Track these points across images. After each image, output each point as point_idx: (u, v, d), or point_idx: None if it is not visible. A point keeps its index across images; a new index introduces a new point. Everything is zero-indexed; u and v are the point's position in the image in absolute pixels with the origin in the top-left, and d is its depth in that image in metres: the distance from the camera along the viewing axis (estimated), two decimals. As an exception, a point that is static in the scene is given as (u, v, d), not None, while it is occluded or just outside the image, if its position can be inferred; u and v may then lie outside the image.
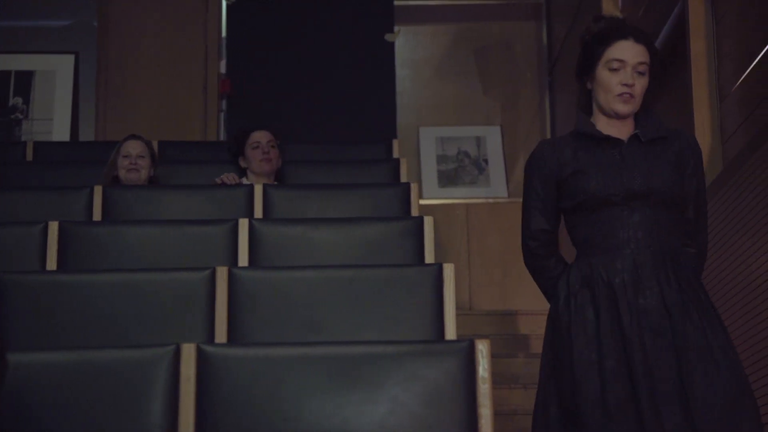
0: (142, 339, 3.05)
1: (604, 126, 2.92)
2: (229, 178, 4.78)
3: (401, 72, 7.35)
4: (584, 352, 2.74)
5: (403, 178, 5.03)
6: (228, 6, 7.14)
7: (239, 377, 2.34)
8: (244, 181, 4.93)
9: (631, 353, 2.69)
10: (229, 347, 2.48)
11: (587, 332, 2.76)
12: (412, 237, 3.73)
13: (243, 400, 2.32)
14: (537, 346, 5.49)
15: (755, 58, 3.89)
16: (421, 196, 6.88)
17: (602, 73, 2.88)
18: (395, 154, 5.61)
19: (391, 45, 7.21)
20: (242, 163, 5.00)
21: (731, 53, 4.18)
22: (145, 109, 6.73)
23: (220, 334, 3.10)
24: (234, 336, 3.10)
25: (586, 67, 2.92)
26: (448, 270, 3.16)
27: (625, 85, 2.86)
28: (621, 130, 2.92)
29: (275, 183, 4.94)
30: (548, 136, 7.25)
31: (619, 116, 2.90)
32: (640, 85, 2.88)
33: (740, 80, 4.04)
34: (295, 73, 7.09)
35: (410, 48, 7.47)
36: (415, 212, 4.34)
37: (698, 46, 4.40)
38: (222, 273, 3.15)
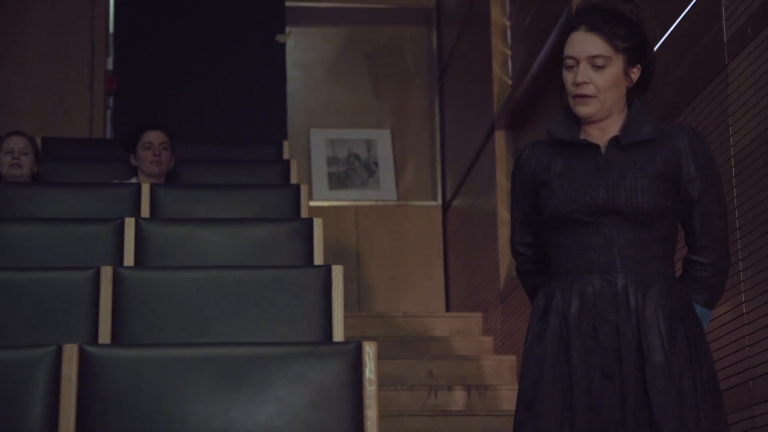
0: (22, 340, 2.98)
1: (586, 129, 2.50)
2: None
3: (292, 73, 7.33)
4: (524, 393, 2.44)
5: (293, 180, 5.02)
6: (116, 2, 7.02)
7: (123, 378, 2.30)
8: (134, 180, 4.85)
9: (578, 397, 2.38)
10: (112, 348, 2.45)
11: (531, 370, 2.44)
12: (302, 238, 3.73)
13: (126, 401, 2.29)
14: (423, 347, 5.54)
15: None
16: (311, 198, 6.88)
17: (563, 72, 2.49)
18: (285, 156, 5.59)
19: (282, 46, 7.19)
20: (133, 162, 4.90)
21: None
22: (29, 104, 6.58)
23: (104, 335, 3.05)
24: (119, 337, 3.06)
25: (560, 67, 2.52)
26: (337, 271, 3.16)
27: (576, 85, 2.45)
28: (606, 133, 2.50)
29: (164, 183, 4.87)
30: (438, 140, 7.32)
31: (582, 120, 2.49)
32: (601, 81, 2.44)
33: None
34: (184, 72, 7.02)
35: (301, 49, 7.46)
36: (304, 214, 4.34)
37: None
38: (107, 273, 3.11)
